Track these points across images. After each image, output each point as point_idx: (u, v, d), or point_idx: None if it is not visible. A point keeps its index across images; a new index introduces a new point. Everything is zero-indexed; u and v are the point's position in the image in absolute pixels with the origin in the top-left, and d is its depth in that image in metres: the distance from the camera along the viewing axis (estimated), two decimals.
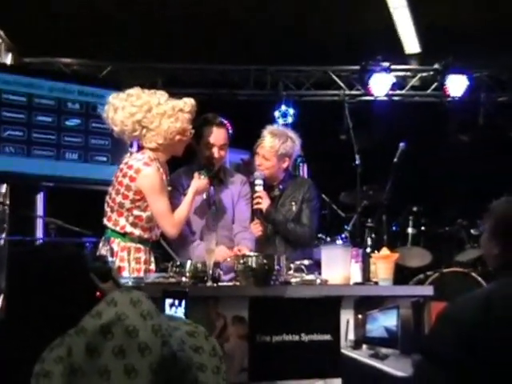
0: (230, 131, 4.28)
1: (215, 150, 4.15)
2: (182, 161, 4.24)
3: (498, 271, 2.50)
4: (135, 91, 3.89)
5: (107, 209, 3.88)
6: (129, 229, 3.82)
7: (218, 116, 4.26)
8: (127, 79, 7.00)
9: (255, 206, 4.31)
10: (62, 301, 2.08)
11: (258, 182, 4.36)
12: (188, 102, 3.90)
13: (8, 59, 6.37)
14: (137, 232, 3.83)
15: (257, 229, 4.26)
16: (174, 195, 4.04)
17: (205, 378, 1.31)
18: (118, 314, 1.22)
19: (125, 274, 3.69)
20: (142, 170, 3.76)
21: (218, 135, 4.17)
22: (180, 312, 2.24)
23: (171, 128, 3.82)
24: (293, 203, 4.42)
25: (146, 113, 3.81)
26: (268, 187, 4.43)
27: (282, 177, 4.51)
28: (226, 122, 4.29)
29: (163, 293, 2.33)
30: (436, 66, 7.40)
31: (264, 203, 4.33)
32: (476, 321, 2.27)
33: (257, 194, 4.33)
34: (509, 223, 2.49)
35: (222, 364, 1.36)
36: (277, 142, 4.37)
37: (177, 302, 2.23)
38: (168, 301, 2.26)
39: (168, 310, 2.25)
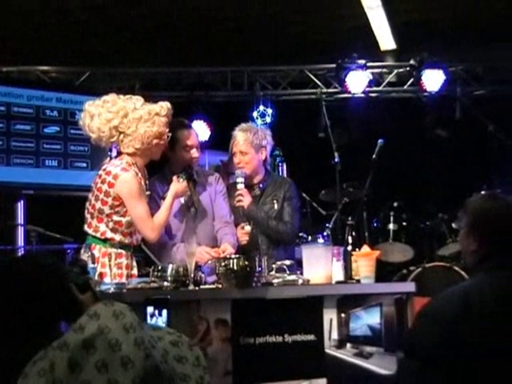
0: (206, 131, 4.36)
1: (194, 151, 4.20)
2: (154, 168, 4.25)
3: (475, 267, 2.52)
4: (111, 97, 3.89)
5: (87, 215, 3.88)
6: (109, 234, 3.82)
7: (184, 119, 4.36)
8: (105, 84, 7.00)
9: (237, 204, 4.34)
10: (40, 313, 2.07)
11: (239, 180, 4.40)
12: (164, 106, 3.91)
13: None
14: (117, 237, 3.82)
15: (243, 236, 4.26)
16: (151, 203, 4.04)
17: None
18: (101, 328, 1.21)
19: (106, 279, 3.67)
20: (120, 176, 3.76)
21: (193, 136, 4.25)
22: (161, 321, 2.23)
23: (148, 132, 3.82)
24: (274, 201, 4.46)
25: (123, 118, 3.81)
26: (248, 187, 4.45)
27: (262, 175, 4.55)
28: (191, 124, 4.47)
29: (145, 301, 2.32)
30: (412, 61, 7.41)
31: (245, 201, 4.36)
32: (456, 317, 2.29)
33: (238, 192, 4.36)
34: (484, 219, 2.51)
35: (206, 375, 1.37)
36: (249, 135, 4.47)
37: (157, 312, 2.22)
38: (149, 309, 2.25)
39: (149, 320, 2.24)
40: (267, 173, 4.63)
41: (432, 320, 2.36)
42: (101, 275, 3.69)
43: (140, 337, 1.21)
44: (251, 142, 4.46)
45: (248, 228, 4.28)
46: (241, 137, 4.47)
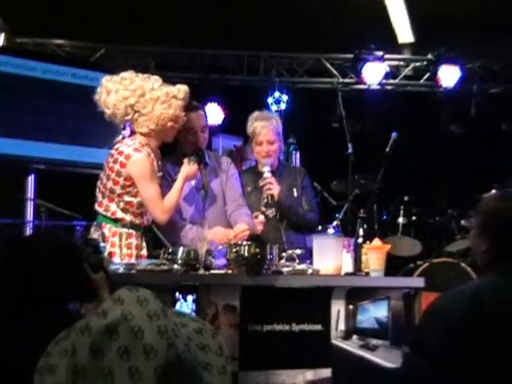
0: (220, 115, 4.30)
1: (197, 134, 4.16)
2: (167, 149, 4.24)
3: (486, 267, 2.51)
4: (129, 75, 3.86)
5: (98, 194, 3.87)
6: (120, 214, 3.81)
7: (192, 100, 4.22)
8: (120, 61, 6.97)
9: (267, 192, 4.32)
10: (53, 290, 2.08)
11: (266, 168, 4.40)
12: (182, 89, 3.89)
13: (0, 40, 6.30)
14: (128, 218, 3.82)
15: (259, 225, 4.26)
16: (163, 184, 4.03)
17: (210, 378, 1.30)
18: (124, 314, 1.20)
19: (116, 259, 3.68)
20: (132, 156, 3.74)
21: (196, 119, 4.17)
22: (186, 307, 2.22)
23: (164, 114, 3.80)
24: (294, 189, 4.45)
25: (139, 97, 3.79)
26: (261, 175, 4.45)
27: (277, 163, 4.57)
28: (199, 105, 4.32)
29: (173, 287, 2.31)
30: (429, 56, 7.39)
31: (275, 189, 4.34)
32: (464, 317, 2.29)
33: (267, 180, 4.34)
34: (496, 218, 2.49)
35: (229, 365, 1.35)
36: (274, 124, 4.48)
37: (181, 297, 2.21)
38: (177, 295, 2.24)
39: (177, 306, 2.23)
40: (279, 161, 4.64)
41: (440, 318, 2.35)
42: (110, 254, 3.68)
43: (164, 325, 1.19)
44: (277, 131, 4.47)
45: (262, 218, 4.28)
46: (268, 126, 4.44)
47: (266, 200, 4.38)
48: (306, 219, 4.47)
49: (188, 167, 3.99)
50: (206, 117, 4.30)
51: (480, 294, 2.33)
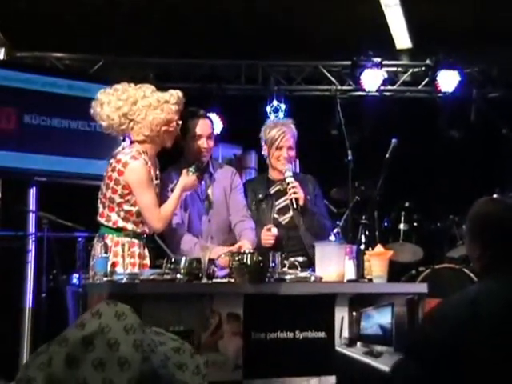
0: (218, 125, 4.29)
1: (203, 141, 4.18)
2: (171, 159, 4.25)
3: (481, 272, 2.50)
4: (122, 86, 3.92)
5: (99, 205, 3.89)
6: (121, 223, 3.83)
7: (199, 109, 4.30)
8: (118, 73, 6.98)
9: (292, 196, 4.28)
10: None
11: (288, 173, 4.38)
12: (174, 94, 3.93)
13: (1, 54, 6.33)
14: (129, 226, 3.84)
15: (268, 238, 4.24)
16: (164, 193, 4.04)
17: None
18: (102, 326, 1.22)
19: (119, 269, 3.69)
20: (130, 164, 3.77)
21: (203, 126, 4.20)
22: None
23: (156, 119, 3.84)
24: (308, 197, 4.44)
25: (132, 105, 3.84)
26: (273, 182, 4.49)
27: None
28: (207, 113, 4.37)
29: None
30: (427, 61, 7.40)
31: (300, 193, 4.32)
32: (463, 323, 2.28)
33: (292, 185, 4.31)
34: (485, 223, 2.47)
35: (205, 382, 1.36)
36: (293, 129, 4.49)
37: None
38: None
39: None
40: None
41: (437, 325, 2.35)
42: (113, 265, 3.70)
43: (139, 339, 1.21)
44: (294, 138, 4.49)
45: (275, 230, 4.27)
46: (288, 132, 4.45)
47: (282, 206, 4.40)
48: (322, 226, 4.45)
49: (186, 178, 4.00)
50: (212, 125, 4.32)
51: (478, 300, 2.32)
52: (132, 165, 3.77)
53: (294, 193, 4.28)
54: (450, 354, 2.24)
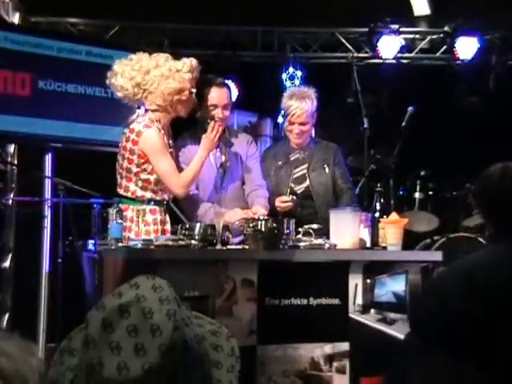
0: (234, 92, 4.23)
1: (218, 111, 4.13)
2: (187, 125, 4.23)
3: (487, 240, 2.52)
4: (136, 55, 3.93)
5: (118, 176, 3.93)
6: (139, 193, 3.86)
7: (218, 77, 4.25)
8: (134, 39, 6.96)
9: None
10: None
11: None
12: (187, 62, 3.92)
13: (16, 19, 6.30)
14: (148, 195, 3.86)
15: (285, 205, 4.25)
16: (178, 160, 4.03)
17: (219, 375, 1.38)
18: (138, 296, 1.28)
19: (131, 235, 3.72)
20: (143, 133, 3.79)
21: (220, 95, 4.15)
22: None
23: (168, 89, 3.84)
24: (325, 166, 4.45)
25: (145, 75, 3.85)
26: (294, 150, 4.48)
27: (308, 138, 4.57)
28: (226, 81, 4.29)
29: None
30: (446, 28, 7.28)
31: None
32: (459, 293, 2.28)
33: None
34: (491, 189, 2.48)
35: (238, 364, 1.43)
36: (308, 105, 4.39)
37: None
38: None
39: None
40: (310, 137, 4.63)
41: (435, 296, 2.35)
42: (136, 233, 3.75)
43: (173, 309, 1.28)
44: (311, 112, 4.41)
45: (285, 198, 4.28)
46: (303, 108, 4.38)
47: (298, 175, 4.40)
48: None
49: (207, 140, 3.95)
50: (230, 94, 4.27)
51: (474, 270, 2.32)
52: (146, 133, 3.78)
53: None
54: (450, 324, 2.26)
